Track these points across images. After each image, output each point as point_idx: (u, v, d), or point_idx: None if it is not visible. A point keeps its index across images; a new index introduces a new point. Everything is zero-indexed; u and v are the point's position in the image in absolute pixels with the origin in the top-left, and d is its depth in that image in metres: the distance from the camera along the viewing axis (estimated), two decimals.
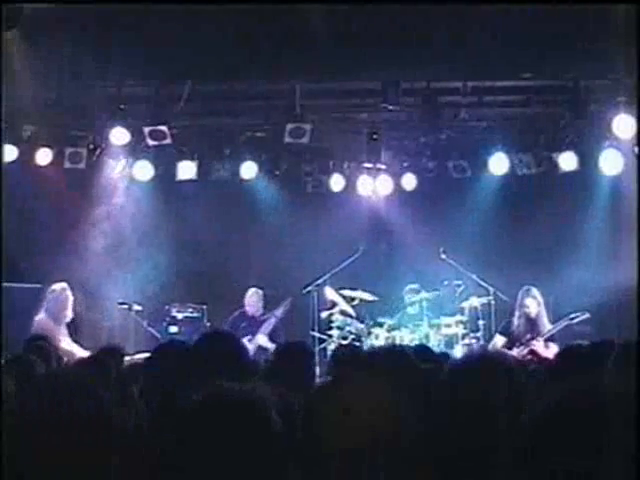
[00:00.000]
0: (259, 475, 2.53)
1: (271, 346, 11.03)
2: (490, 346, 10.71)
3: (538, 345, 10.24)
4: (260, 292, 12.05)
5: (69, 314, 10.48)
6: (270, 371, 5.26)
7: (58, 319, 10.37)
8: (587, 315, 10.44)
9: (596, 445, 2.11)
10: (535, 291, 10.54)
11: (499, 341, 10.63)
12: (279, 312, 11.84)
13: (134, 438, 4.04)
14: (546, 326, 10.43)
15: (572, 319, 10.38)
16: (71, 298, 10.56)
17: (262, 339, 11.64)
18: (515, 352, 10.29)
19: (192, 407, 2.65)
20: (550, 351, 9.97)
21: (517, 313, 10.57)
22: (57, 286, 10.62)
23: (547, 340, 10.37)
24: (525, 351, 10.24)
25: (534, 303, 10.46)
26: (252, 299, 11.99)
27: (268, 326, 11.80)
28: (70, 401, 3.14)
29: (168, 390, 4.23)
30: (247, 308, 12.00)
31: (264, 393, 2.67)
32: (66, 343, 10.14)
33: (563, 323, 10.37)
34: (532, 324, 10.46)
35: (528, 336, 10.39)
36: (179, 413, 2.74)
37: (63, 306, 10.46)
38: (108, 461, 3.07)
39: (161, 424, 3.99)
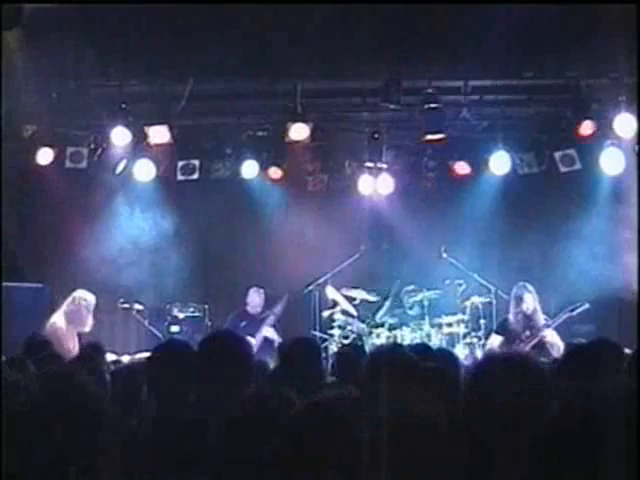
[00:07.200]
0: None
1: (277, 337, 11.37)
2: (487, 346, 10.70)
3: (550, 334, 10.23)
4: (261, 291, 12.16)
5: (89, 325, 10.08)
6: (277, 371, 5.24)
7: (75, 326, 9.99)
8: (586, 305, 10.45)
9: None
10: (530, 286, 10.54)
11: (495, 340, 10.57)
12: (277, 309, 11.95)
13: (136, 436, 4.04)
14: (542, 321, 10.43)
15: (572, 310, 10.42)
16: (92, 309, 10.19)
17: (268, 331, 11.77)
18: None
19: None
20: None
21: (513, 310, 10.53)
22: (81, 294, 10.23)
23: None
24: (533, 342, 10.22)
25: (531, 298, 10.46)
26: (254, 298, 12.12)
27: (268, 323, 11.90)
28: (64, 399, 3.14)
29: (169, 389, 4.23)
30: (248, 307, 12.11)
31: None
32: (75, 350, 9.83)
33: (564, 315, 10.39)
34: (529, 320, 10.45)
35: (527, 333, 10.39)
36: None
37: (84, 317, 10.06)
38: (107, 457, 3.07)
39: (163, 422, 3.99)
